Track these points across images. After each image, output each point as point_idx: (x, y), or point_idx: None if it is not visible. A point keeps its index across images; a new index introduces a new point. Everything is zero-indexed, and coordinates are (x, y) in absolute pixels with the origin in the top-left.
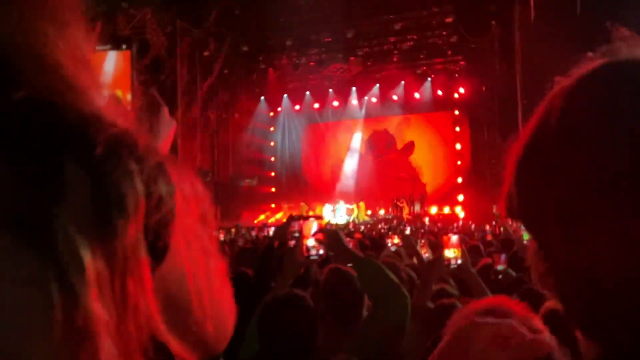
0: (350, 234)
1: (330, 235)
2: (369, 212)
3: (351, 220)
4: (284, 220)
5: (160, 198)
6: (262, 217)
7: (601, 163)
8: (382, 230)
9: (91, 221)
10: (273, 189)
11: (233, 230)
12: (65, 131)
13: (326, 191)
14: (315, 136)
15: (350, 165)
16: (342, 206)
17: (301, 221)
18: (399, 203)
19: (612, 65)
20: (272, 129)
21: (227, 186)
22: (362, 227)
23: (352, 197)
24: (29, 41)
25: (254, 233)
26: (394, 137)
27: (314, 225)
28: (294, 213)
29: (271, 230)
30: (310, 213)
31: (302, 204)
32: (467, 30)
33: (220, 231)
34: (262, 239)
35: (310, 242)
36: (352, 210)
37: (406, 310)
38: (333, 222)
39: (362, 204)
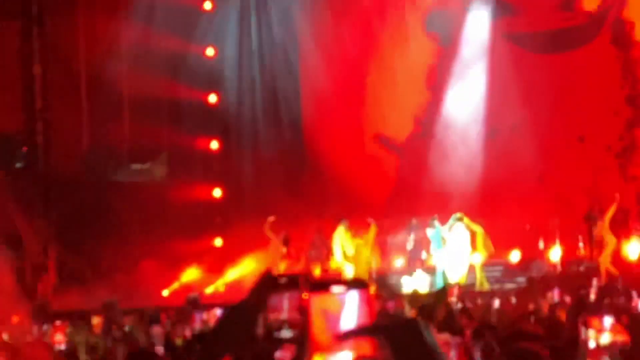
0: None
1: (399, 332)
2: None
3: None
4: (253, 286)
5: None
6: (185, 278)
7: None
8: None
9: None
10: (218, 192)
11: (95, 320)
12: None
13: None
14: (342, 26)
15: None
16: (444, 231)
17: (302, 291)
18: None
19: None
20: (207, 4)
21: (71, 190)
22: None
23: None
24: None
25: (159, 328)
26: None
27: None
28: (281, 266)
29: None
30: (335, 264)
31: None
32: None
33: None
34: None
35: (284, 315)
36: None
37: None
38: (406, 286)
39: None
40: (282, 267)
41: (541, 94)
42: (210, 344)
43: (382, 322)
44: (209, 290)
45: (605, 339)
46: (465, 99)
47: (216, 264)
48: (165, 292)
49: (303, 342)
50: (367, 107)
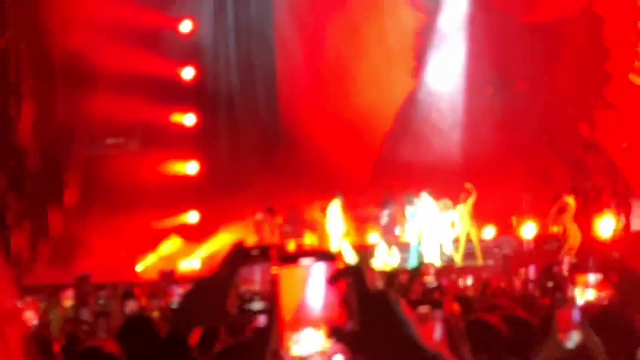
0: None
1: (355, 273)
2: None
3: (447, 249)
4: (224, 259)
5: None
6: (160, 252)
7: None
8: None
9: None
10: (193, 166)
11: (66, 301)
12: None
13: (360, 164)
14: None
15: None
16: (420, 206)
17: (271, 264)
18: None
19: None
20: None
21: (44, 164)
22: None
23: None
24: None
25: (133, 302)
26: None
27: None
28: (255, 240)
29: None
30: (309, 240)
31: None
32: None
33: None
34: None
35: (256, 286)
36: (453, 215)
37: None
38: (380, 262)
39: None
40: (290, 245)
41: (523, 65)
42: (180, 316)
43: (351, 295)
44: (184, 264)
45: (591, 295)
46: (445, 72)
47: (190, 239)
48: (139, 267)
49: (272, 316)
50: (344, 80)
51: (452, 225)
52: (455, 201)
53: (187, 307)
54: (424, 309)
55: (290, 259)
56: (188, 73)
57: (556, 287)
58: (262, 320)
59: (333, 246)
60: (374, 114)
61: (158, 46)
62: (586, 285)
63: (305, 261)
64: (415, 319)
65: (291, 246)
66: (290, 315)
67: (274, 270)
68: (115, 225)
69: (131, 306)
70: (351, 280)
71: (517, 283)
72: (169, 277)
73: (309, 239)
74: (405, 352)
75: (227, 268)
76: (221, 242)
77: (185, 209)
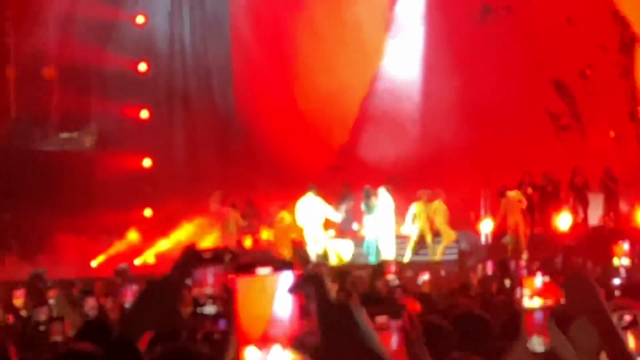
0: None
1: (315, 282)
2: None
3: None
4: (176, 261)
5: None
6: (115, 248)
7: None
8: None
9: None
10: (147, 162)
11: (17, 301)
12: None
13: (320, 157)
14: None
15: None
16: (380, 200)
17: (225, 269)
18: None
19: None
20: None
21: (2, 159)
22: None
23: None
24: None
25: (92, 300)
26: None
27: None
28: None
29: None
30: (265, 236)
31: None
32: None
33: None
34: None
35: (208, 290)
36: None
37: None
38: (335, 254)
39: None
40: (247, 241)
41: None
42: (131, 319)
43: (313, 307)
44: (139, 261)
45: (537, 299)
46: (403, 63)
47: (146, 235)
48: (93, 263)
49: (229, 327)
50: (299, 73)
51: (414, 220)
52: (413, 196)
53: (138, 309)
54: (382, 319)
55: (247, 268)
56: (142, 67)
57: (513, 285)
58: (215, 324)
59: (300, 242)
60: (331, 107)
61: (113, 40)
62: (531, 288)
63: (262, 271)
64: (374, 328)
65: (247, 242)
66: (248, 326)
67: (230, 279)
68: (69, 221)
69: (90, 304)
70: (311, 290)
71: (474, 279)
72: (124, 274)
73: (266, 235)
74: None
75: (180, 271)
76: (176, 238)
77: (140, 205)
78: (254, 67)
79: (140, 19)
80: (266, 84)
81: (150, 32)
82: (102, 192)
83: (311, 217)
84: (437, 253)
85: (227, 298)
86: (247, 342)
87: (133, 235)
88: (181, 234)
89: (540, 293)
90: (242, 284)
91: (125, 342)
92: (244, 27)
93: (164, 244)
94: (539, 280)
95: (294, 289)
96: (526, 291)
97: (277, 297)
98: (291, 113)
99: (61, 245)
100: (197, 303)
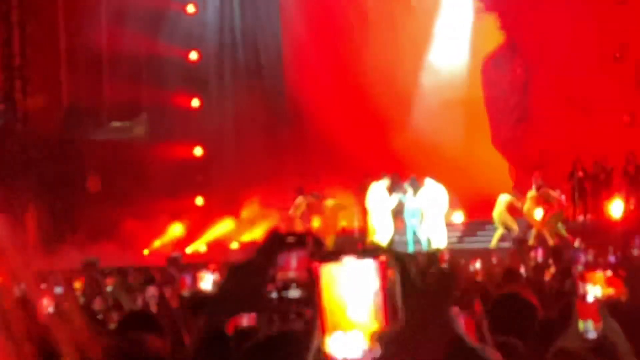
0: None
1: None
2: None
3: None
4: (260, 245)
5: None
6: (167, 237)
7: None
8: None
9: None
10: (199, 150)
11: (77, 285)
12: None
13: (377, 149)
14: None
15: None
16: (426, 189)
17: (309, 254)
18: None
19: None
20: None
21: (50, 148)
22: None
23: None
24: None
25: (154, 289)
26: None
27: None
28: (286, 224)
29: (205, 281)
30: (317, 223)
31: (303, 197)
32: None
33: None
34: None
35: (292, 274)
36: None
37: None
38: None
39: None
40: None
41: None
42: (218, 304)
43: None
44: (190, 249)
45: (600, 292)
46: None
47: (197, 223)
48: (145, 252)
49: (315, 313)
50: (351, 59)
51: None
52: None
53: (224, 295)
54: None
55: (332, 256)
56: (193, 56)
57: (565, 274)
58: (300, 307)
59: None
60: (383, 94)
61: (164, 30)
62: (595, 282)
63: (347, 259)
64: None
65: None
66: (332, 313)
67: (314, 266)
68: (121, 210)
69: (152, 292)
70: (396, 276)
71: (526, 266)
72: (176, 262)
73: (317, 223)
74: (455, 350)
75: (264, 255)
76: (227, 227)
77: (192, 193)
78: (305, 55)
79: (191, 8)
80: (317, 71)
81: (201, 21)
82: (153, 180)
83: (381, 205)
84: (493, 241)
85: (311, 282)
86: (332, 328)
87: (184, 224)
88: (231, 223)
89: (604, 286)
90: (326, 271)
91: (215, 328)
92: (295, 14)
93: (214, 232)
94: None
95: (379, 277)
96: (590, 285)
97: (362, 284)
98: (342, 100)
99: (113, 233)
100: (280, 287)
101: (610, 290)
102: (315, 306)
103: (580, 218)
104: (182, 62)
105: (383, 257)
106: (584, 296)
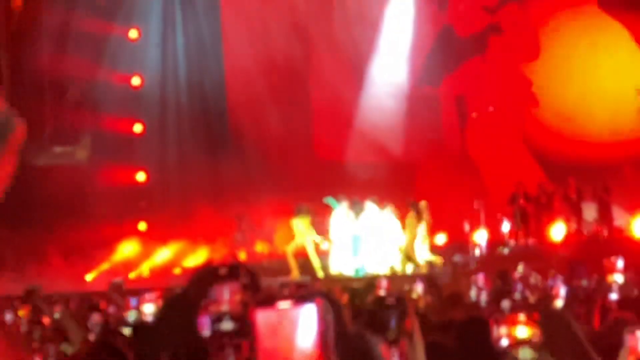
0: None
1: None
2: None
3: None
4: (192, 278)
5: None
6: (106, 264)
7: None
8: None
9: None
10: (141, 175)
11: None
12: None
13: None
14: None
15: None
16: (364, 212)
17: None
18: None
19: None
20: None
21: None
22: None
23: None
24: None
25: (98, 316)
26: None
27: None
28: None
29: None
30: (260, 248)
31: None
32: None
33: None
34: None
35: (225, 306)
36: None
37: None
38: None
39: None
40: (241, 254)
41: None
42: (150, 338)
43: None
44: (133, 275)
45: (519, 334)
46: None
47: (140, 249)
48: (88, 278)
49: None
50: (295, 85)
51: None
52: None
53: (159, 327)
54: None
55: (268, 301)
56: (136, 81)
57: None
58: (233, 341)
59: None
60: (326, 117)
61: (106, 53)
62: (511, 325)
63: (283, 304)
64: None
65: (242, 255)
66: (269, 358)
67: (250, 311)
68: (63, 235)
69: (96, 319)
70: (330, 320)
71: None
72: (119, 288)
73: (260, 247)
74: None
75: (196, 288)
76: (170, 252)
77: (133, 219)
78: (248, 79)
79: (133, 33)
80: (259, 96)
81: (144, 46)
82: (95, 205)
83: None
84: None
85: (244, 314)
86: None
87: (127, 249)
88: (175, 247)
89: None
90: (263, 317)
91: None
92: (237, 38)
93: (158, 258)
94: (515, 319)
95: (314, 322)
96: (503, 330)
97: (299, 329)
98: (284, 125)
99: (55, 259)
100: (213, 320)
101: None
102: (252, 343)
103: (522, 241)
104: (125, 87)
105: (319, 302)
106: (497, 340)
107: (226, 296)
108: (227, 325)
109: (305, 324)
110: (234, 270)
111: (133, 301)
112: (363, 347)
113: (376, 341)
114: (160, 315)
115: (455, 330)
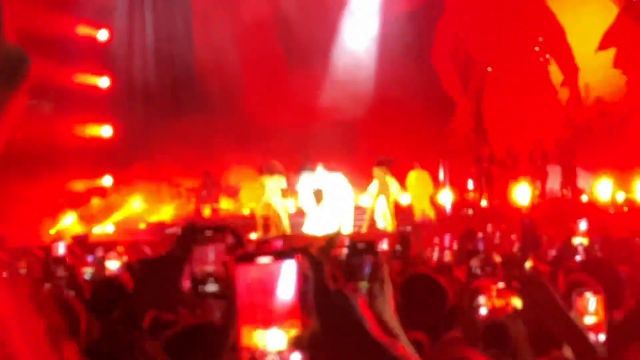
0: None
1: (317, 274)
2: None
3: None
4: (177, 239)
5: None
6: (74, 217)
7: None
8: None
9: None
10: (107, 130)
11: None
12: None
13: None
14: None
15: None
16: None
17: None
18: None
19: None
20: None
21: None
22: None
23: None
24: None
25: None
26: None
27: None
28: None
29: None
30: (225, 205)
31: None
32: None
33: None
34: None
35: (209, 267)
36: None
37: None
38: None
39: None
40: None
41: None
42: (134, 298)
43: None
44: (97, 230)
45: (498, 303)
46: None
47: (105, 203)
48: (51, 232)
49: (231, 308)
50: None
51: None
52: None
53: (141, 288)
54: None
55: (247, 258)
56: (103, 35)
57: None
58: (216, 302)
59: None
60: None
61: (73, 7)
62: (490, 295)
63: (262, 259)
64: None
65: (206, 211)
66: (248, 312)
67: (230, 266)
68: (25, 188)
69: (60, 272)
70: (310, 277)
71: (432, 252)
72: (83, 242)
73: (225, 204)
74: (365, 350)
75: (181, 248)
76: (134, 207)
77: (98, 173)
78: (214, 35)
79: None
80: (226, 50)
81: (111, 0)
82: (60, 160)
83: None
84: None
85: (227, 276)
86: (248, 324)
87: (93, 203)
88: (139, 203)
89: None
90: (242, 272)
91: (130, 320)
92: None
93: (123, 213)
94: (494, 287)
95: (293, 278)
96: (482, 298)
97: (279, 285)
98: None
99: (20, 213)
100: (197, 281)
101: (501, 303)
102: (232, 302)
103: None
104: (92, 42)
105: (299, 258)
106: (476, 309)
107: (211, 258)
108: (211, 287)
109: (285, 279)
110: (219, 232)
111: (91, 257)
112: (342, 303)
113: (355, 298)
114: (143, 276)
115: (402, 287)
